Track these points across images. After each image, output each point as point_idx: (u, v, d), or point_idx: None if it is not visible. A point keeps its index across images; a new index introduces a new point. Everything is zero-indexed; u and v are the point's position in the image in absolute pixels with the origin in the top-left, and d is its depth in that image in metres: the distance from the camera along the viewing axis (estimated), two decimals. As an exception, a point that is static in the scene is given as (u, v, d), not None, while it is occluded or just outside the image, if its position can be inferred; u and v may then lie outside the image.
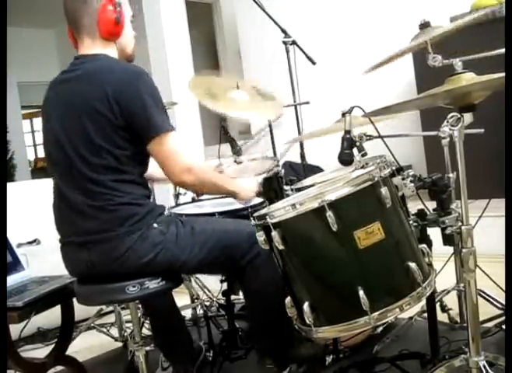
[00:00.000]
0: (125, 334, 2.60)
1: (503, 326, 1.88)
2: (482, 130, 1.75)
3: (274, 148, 2.73)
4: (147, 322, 2.33)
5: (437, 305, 1.94)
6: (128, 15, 1.71)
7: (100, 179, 1.54)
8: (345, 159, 1.51)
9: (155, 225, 1.59)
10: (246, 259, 1.65)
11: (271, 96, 2.18)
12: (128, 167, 1.58)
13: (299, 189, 1.90)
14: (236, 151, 2.30)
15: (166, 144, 1.56)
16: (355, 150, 1.52)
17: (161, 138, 1.55)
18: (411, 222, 1.46)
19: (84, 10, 1.61)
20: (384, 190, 1.31)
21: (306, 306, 1.35)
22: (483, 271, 1.85)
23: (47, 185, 1.73)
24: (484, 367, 1.35)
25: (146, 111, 1.53)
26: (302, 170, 2.78)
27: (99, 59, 1.62)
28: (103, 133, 1.53)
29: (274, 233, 1.35)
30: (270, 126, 2.72)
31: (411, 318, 2.07)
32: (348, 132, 1.51)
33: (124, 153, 1.56)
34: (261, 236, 1.42)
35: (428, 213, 1.51)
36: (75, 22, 1.64)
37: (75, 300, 1.76)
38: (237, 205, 2.01)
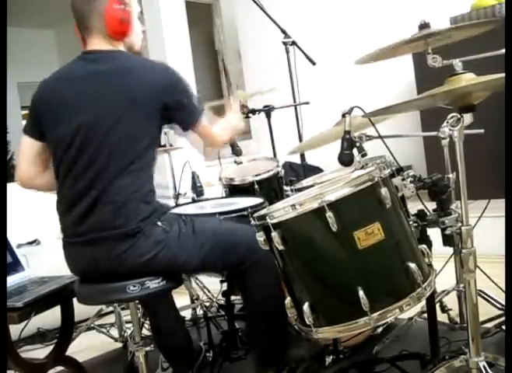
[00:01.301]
0: (125, 334, 2.60)
1: (503, 327, 1.88)
2: (482, 130, 1.75)
3: (274, 148, 2.73)
4: (147, 322, 2.33)
5: (437, 306, 1.94)
6: (135, 11, 1.73)
7: (130, 172, 1.56)
8: (345, 160, 1.51)
9: (159, 223, 1.59)
10: (247, 263, 1.66)
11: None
12: (152, 158, 1.63)
13: (299, 190, 1.90)
14: (236, 152, 2.30)
15: (205, 125, 1.69)
16: (355, 150, 1.52)
17: (201, 122, 1.67)
18: (411, 223, 1.46)
19: (91, 10, 1.63)
20: (383, 191, 1.31)
21: (306, 306, 1.35)
22: (483, 272, 1.85)
23: (47, 185, 1.73)
24: (484, 367, 1.35)
25: (187, 102, 1.64)
26: (302, 171, 2.79)
27: (123, 56, 1.66)
28: (144, 126, 1.58)
29: (274, 234, 1.35)
30: (270, 126, 2.72)
31: (411, 318, 2.07)
32: (348, 132, 1.51)
33: (151, 149, 1.62)
34: (260, 237, 1.42)
35: (428, 213, 1.51)
36: (83, 21, 1.66)
37: (75, 300, 1.76)
38: (237, 205, 2.01)
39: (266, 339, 1.74)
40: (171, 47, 4.62)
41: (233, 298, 2.15)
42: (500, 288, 1.89)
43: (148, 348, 1.94)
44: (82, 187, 1.58)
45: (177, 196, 2.73)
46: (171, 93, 1.61)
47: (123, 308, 2.68)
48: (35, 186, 1.78)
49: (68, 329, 2.06)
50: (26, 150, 1.74)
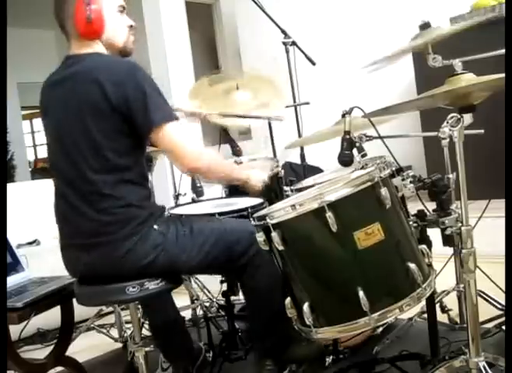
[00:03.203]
0: (125, 335, 2.60)
1: (503, 327, 1.88)
2: (482, 130, 1.75)
3: (274, 148, 2.73)
4: (147, 322, 2.33)
5: (437, 306, 1.94)
6: (111, 6, 1.65)
7: (101, 180, 1.54)
8: (345, 160, 1.51)
9: (155, 227, 1.59)
10: (245, 257, 1.65)
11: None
12: (128, 165, 1.58)
13: (299, 190, 1.90)
14: (236, 152, 2.30)
15: (171, 134, 1.55)
16: (355, 151, 1.52)
17: (165, 127, 1.53)
18: (411, 223, 1.45)
19: (64, 15, 1.63)
20: (383, 191, 1.31)
21: (306, 307, 1.35)
22: (483, 272, 1.85)
23: (46, 186, 1.74)
24: (484, 367, 1.36)
25: (146, 103, 1.52)
26: (302, 171, 2.78)
27: (92, 57, 1.62)
28: (104, 130, 1.53)
29: (274, 234, 1.35)
30: (270, 126, 2.72)
31: (411, 318, 2.07)
32: (348, 133, 1.51)
33: (124, 150, 1.56)
34: (260, 237, 1.41)
35: (428, 213, 1.50)
36: (61, 26, 1.66)
37: (74, 301, 1.76)
38: (237, 205, 2.01)
39: (268, 335, 1.73)
40: (171, 47, 4.61)
41: (233, 298, 2.15)
42: (500, 288, 1.89)
43: (148, 348, 1.94)
44: (69, 194, 1.59)
45: (176, 196, 2.73)
46: (127, 88, 1.51)
47: (123, 309, 2.67)
48: None
49: (68, 330, 2.06)
50: None
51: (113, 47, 1.68)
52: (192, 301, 2.60)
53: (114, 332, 2.70)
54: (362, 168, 1.46)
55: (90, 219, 1.55)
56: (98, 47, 1.64)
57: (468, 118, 1.42)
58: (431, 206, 1.51)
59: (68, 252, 1.65)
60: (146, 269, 1.56)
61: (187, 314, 2.49)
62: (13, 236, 2.19)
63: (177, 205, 2.49)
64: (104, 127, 1.53)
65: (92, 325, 2.76)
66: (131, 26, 1.71)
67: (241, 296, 2.04)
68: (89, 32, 1.61)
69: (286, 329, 1.73)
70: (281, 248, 1.35)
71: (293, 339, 1.81)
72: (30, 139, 10.51)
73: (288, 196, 1.91)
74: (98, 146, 1.53)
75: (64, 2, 1.62)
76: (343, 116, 1.56)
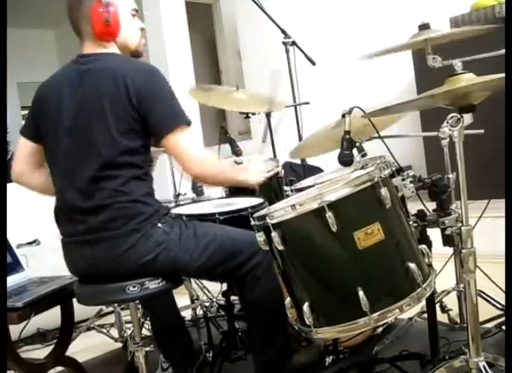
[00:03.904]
0: (125, 335, 2.60)
1: (503, 327, 1.88)
2: (482, 130, 1.75)
3: (274, 148, 2.73)
4: (147, 322, 2.33)
5: (437, 306, 1.94)
6: (126, 9, 1.69)
7: (113, 176, 1.55)
8: (345, 160, 1.51)
9: (159, 225, 1.59)
10: (247, 267, 1.64)
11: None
12: (139, 163, 1.60)
13: (298, 190, 1.90)
14: (236, 152, 2.30)
15: (180, 139, 1.58)
16: (355, 150, 1.52)
17: (176, 133, 1.57)
18: (411, 223, 1.45)
19: (80, 15, 1.64)
20: (383, 191, 1.31)
21: (305, 307, 1.35)
22: (483, 272, 1.85)
23: (46, 185, 1.72)
24: (484, 367, 1.36)
25: (162, 107, 1.56)
26: (302, 171, 2.79)
27: (109, 56, 1.64)
28: (123, 128, 1.55)
29: (274, 234, 1.35)
30: (270, 126, 2.72)
31: (411, 318, 2.07)
32: (348, 133, 1.51)
33: (136, 148, 1.58)
34: (260, 237, 1.41)
35: (428, 213, 1.50)
36: (75, 26, 1.68)
37: (74, 300, 1.76)
38: (237, 206, 2.01)
39: (266, 350, 1.71)
40: (171, 47, 4.62)
41: (233, 298, 2.15)
42: (500, 288, 1.89)
43: (148, 348, 1.94)
44: (73, 190, 1.59)
45: (177, 196, 2.73)
46: (149, 88, 1.55)
47: (123, 309, 2.67)
48: (25, 184, 1.80)
49: (68, 329, 2.06)
50: (20, 149, 1.79)
51: (126, 49, 1.72)
52: (192, 301, 2.60)
53: (114, 332, 2.70)
54: (363, 168, 1.46)
55: (95, 214, 1.55)
56: (113, 48, 1.68)
57: (468, 118, 1.42)
58: (431, 206, 1.51)
59: (71, 250, 1.65)
60: (145, 267, 1.56)
61: (187, 314, 2.49)
62: (13, 236, 2.19)
63: (177, 205, 2.49)
64: (123, 126, 1.55)
65: (92, 325, 2.76)
66: (142, 29, 1.76)
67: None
68: (107, 34, 1.64)
69: (285, 344, 1.72)
70: (281, 248, 1.35)
71: (292, 349, 1.80)
72: (30, 139, 10.49)
73: (288, 196, 1.91)
74: (115, 143, 1.54)
75: (80, 3, 1.63)
76: (343, 116, 1.57)
